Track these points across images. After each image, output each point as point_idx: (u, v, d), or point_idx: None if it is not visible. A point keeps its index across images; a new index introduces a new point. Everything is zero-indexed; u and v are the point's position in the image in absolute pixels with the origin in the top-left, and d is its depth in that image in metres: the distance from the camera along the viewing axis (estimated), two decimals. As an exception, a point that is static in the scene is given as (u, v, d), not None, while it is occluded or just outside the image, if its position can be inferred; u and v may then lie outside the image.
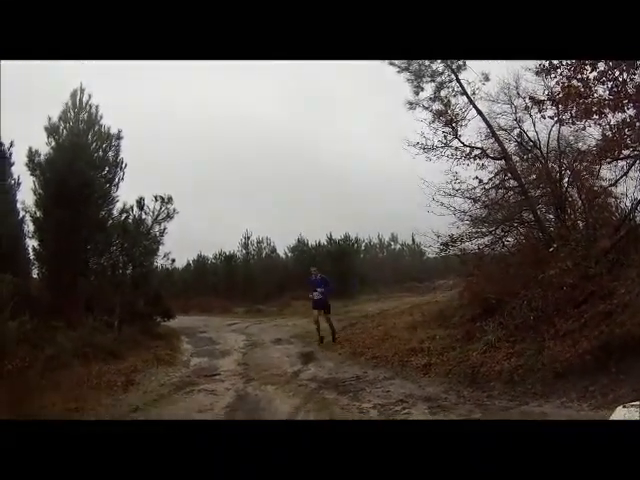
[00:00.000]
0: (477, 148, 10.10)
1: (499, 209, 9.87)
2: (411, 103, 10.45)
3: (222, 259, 23.37)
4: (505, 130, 9.97)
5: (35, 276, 11.53)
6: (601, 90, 7.48)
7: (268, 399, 6.91)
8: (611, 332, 5.93)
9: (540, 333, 6.90)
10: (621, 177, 8.07)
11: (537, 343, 6.76)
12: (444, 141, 10.21)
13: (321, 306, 10.81)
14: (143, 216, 12.37)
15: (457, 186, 9.97)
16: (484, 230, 9.79)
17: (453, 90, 10.28)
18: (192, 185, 23.57)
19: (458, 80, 10.13)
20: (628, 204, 8.08)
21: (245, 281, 21.55)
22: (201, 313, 19.09)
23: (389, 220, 21.20)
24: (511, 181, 9.91)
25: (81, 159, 11.15)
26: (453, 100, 10.29)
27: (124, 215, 12.12)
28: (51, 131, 11.47)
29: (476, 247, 9.85)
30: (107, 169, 12.07)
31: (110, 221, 11.98)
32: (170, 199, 12.54)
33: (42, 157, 11.26)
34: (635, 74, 7.20)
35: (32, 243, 11.27)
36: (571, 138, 9.31)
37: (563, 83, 7.73)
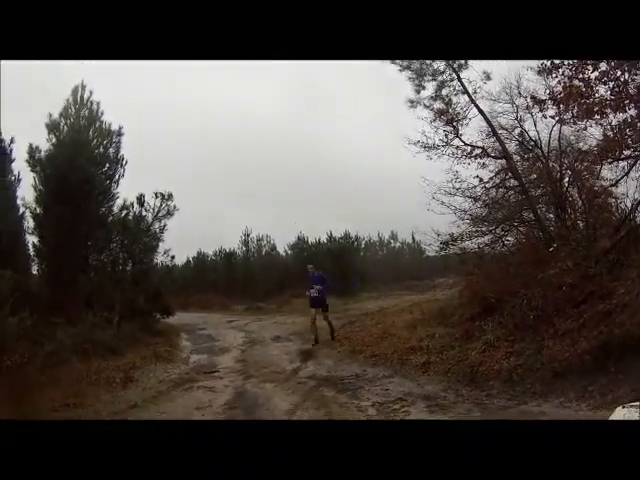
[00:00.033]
0: (478, 147, 10.10)
1: (499, 208, 9.87)
2: (412, 101, 10.45)
3: (222, 256, 23.35)
4: (506, 129, 9.98)
5: (35, 272, 11.53)
6: (602, 90, 7.48)
7: (267, 396, 6.93)
8: (610, 332, 5.93)
9: (539, 333, 6.90)
10: (622, 177, 8.08)
11: (536, 343, 6.76)
12: (445, 140, 10.22)
13: (318, 304, 10.69)
14: (143, 213, 12.36)
15: (457, 185, 9.97)
16: (484, 229, 9.80)
17: (454, 89, 10.29)
18: (192, 182, 23.54)
19: (459, 79, 10.13)
20: (628, 204, 8.08)
21: (245, 278, 21.53)
22: (201, 310, 19.08)
23: (389, 218, 21.17)
24: (512, 180, 9.90)
25: (82, 155, 11.13)
26: (454, 99, 10.30)
27: (124, 212, 12.12)
28: (52, 127, 11.45)
29: (476, 246, 9.86)
30: (108, 166, 12.04)
31: (110, 218, 11.95)
32: (170, 196, 12.53)
33: (43, 153, 11.25)
34: (637, 74, 7.20)
35: (32, 239, 11.29)
36: (572, 138, 9.33)
37: (565, 83, 7.72)
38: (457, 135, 10.17)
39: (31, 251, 11.27)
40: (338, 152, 25.74)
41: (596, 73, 7.42)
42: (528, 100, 9.22)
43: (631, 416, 2.40)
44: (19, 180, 11.13)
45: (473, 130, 10.14)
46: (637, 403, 2.46)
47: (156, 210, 12.46)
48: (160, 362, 9.32)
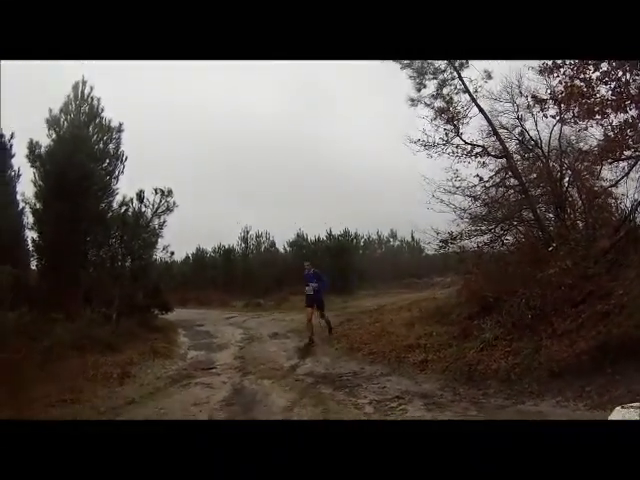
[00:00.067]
0: (478, 146, 10.09)
1: (499, 207, 9.87)
2: (413, 100, 10.44)
3: (221, 253, 23.33)
4: (506, 128, 9.96)
5: (34, 268, 11.53)
6: (604, 90, 7.48)
7: (264, 393, 6.93)
8: (608, 332, 5.94)
9: (537, 332, 6.91)
10: (622, 178, 8.08)
11: (534, 342, 6.77)
12: (445, 138, 10.21)
13: (314, 302, 10.60)
14: (143, 209, 12.34)
15: (457, 183, 9.96)
16: (483, 228, 9.80)
17: (455, 88, 10.28)
18: (192, 178, 23.53)
19: (460, 78, 10.12)
20: (628, 205, 8.07)
21: (244, 275, 21.51)
22: (199, 306, 19.07)
23: (388, 216, 21.17)
24: (512, 179, 9.90)
25: (81, 151, 11.14)
26: (455, 97, 10.29)
27: (124, 208, 12.11)
28: (52, 123, 11.45)
29: (475, 245, 9.87)
30: (107, 161, 12.06)
31: (110, 214, 11.96)
32: (170, 192, 12.50)
33: (42, 149, 11.26)
34: (638, 75, 7.19)
35: (32, 235, 11.29)
36: (572, 138, 9.34)
37: (566, 82, 7.72)
38: (457, 134, 10.16)
39: (30, 246, 11.28)
40: (338, 151, 25.81)
41: (597, 73, 7.42)
42: (529, 99, 9.22)
43: (630, 417, 2.40)
44: (19, 175, 11.15)
45: (473, 129, 10.15)
46: (636, 404, 2.47)
47: (155, 206, 12.45)
48: (158, 358, 9.32)
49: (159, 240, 12.66)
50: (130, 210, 12.17)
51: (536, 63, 8.25)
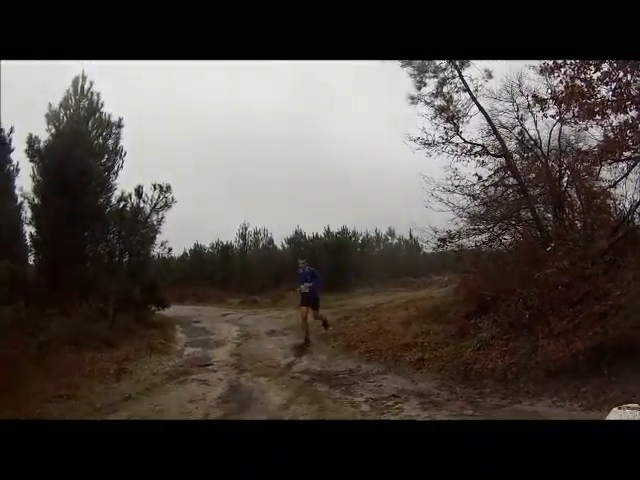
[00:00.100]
0: (478, 145, 10.08)
1: (498, 206, 9.87)
2: (413, 98, 10.42)
3: (219, 249, 23.35)
4: (506, 128, 9.96)
5: (31, 263, 11.52)
6: (604, 91, 7.46)
7: (261, 390, 6.92)
8: (605, 333, 5.94)
9: (534, 332, 6.90)
10: (621, 179, 8.07)
11: (531, 342, 6.76)
12: (445, 137, 10.19)
13: (309, 301, 10.46)
14: (141, 204, 12.30)
15: (456, 182, 9.96)
16: (482, 227, 9.81)
17: (456, 86, 10.25)
18: (191, 175, 23.57)
19: (461, 76, 10.09)
20: (627, 206, 8.07)
21: (241, 272, 21.55)
22: (196, 303, 19.11)
23: (387, 214, 21.23)
24: (510, 179, 9.89)
25: (80, 146, 11.10)
26: (455, 96, 10.26)
27: (122, 203, 12.06)
28: (51, 118, 11.42)
29: (473, 244, 9.88)
30: (106, 157, 12.04)
31: (108, 209, 11.94)
32: (169, 188, 12.45)
33: (42, 144, 11.22)
34: (639, 76, 7.17)
35: (30, 230, 11.25)
36: (572, 138, 9.33)
37: (567, 82, 7.70)
38: (457, 132, 10.15)
39: (28, 241, 11.26)
40: (337, 150, 25.93)
41: (598, 74, 7.41)
42: (529, 99, 9.20)
43: (627, 418, 2.40)
44: (18, 170, 11.08)
45: (473, 128, 10.14)
46: (633, 405, 2.46)
47: (154, 202, 12.41)
48: (154, 354, 9.31)
49: (157, 236, 12.67)
50: (128, 206, 12.14)
51: (537, 63, 8.25)
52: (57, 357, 7.66)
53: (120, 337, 9.75)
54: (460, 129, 10.14)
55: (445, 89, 10.30)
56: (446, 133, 10.18)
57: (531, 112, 9.47)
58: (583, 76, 7.51)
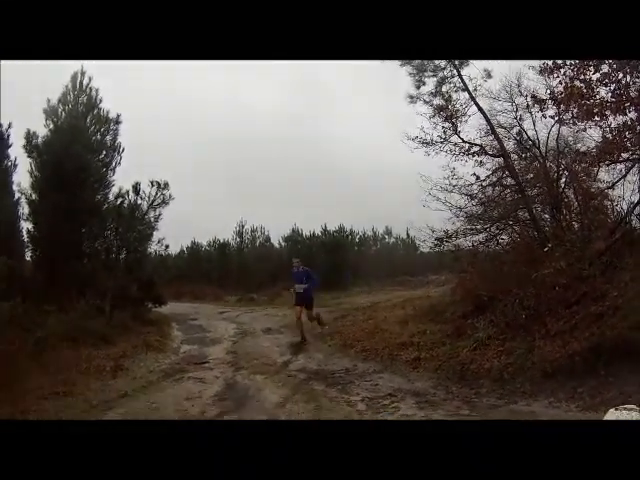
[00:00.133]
0: (476, 145, 10.07)
1: (495, 206, 9.88)
2: (412, 97, 10.41)
3: (216, 247, 23.31)
4: (505, 128, 9.95)
5: (29, 259, 11.48)
6: (603, 92, 7.46)
7: (257, 388, 6.92)
8: (602, 334, 5.95)
9: (531, 332, 6.91)
10: (619, 180, 8.07)
11: (527, 342, 6.78)
12: (443, 136, 10.18)
13: (303, 301, 10.32)
14: (139, 201, 12.29)
15: (454, 182, 9.95)
16: (479, 227, 9.82)
17: (454, 86, 10.24)
18: (190, 173, 23.55)
19: (460, 76, 10.09)
20: (624, 207, 8.08)
21: (238, 269, 21.53)
22: (193, 300, 19.08)
23: (384, 213, 21.24)
24: (508, 179, 9.89)
25: (78, 142, 11.07)
26: (454, 96, 10.26)
27: (119, 200, 12.06)
28: (50, 113, 11.39)
29: (470, 244, 9.89)
30: (104, 153, 12.01)
31: (105, 205, 11.91)
32: (166, 185, 12.45)
33: (40, 139, 11.19)
34: (639, 77, 7.18)
35: (27, 225, 11.24)
36: (570, 139, 9.33)
37: (566, 83, 7.70)
38: (455, 132, 10.14)
39: (25, 237, 11.23)
40: (336, 149, 25.92)
41: (597, 75, 7.41)
42: (528, 99, 9.20)
43: (624, 418, 2.41)
44: (15, 165, 11.07)
45: (472, 127, 10.13)
46: (630, 406, 2.47)
47: (151, 198, 12.40)
48: (151, 351, 9.29)
49: (154, 233, 12.65)
50: (126, 202, 12.13)
51: (536, 63, 8.25)
52: (54, 353, 7.66)
53: (117, 334, 9.73)
54: (458, 128, 10.14)
55: (444, 88, 10.31)
56: (444, 132, 10.18)
57: (530, 112, 9.48)
58: (582, 77, 7.51)
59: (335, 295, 15.87)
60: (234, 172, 26.12)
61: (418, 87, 10.37)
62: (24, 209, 11.08)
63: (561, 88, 7.90)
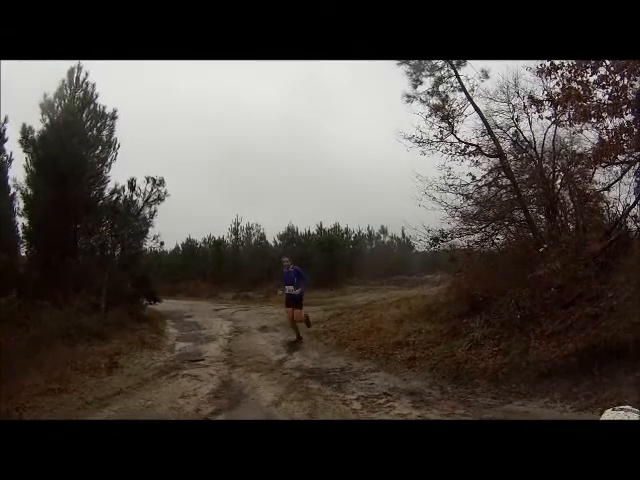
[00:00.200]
0: (472, 145, 10.08)
1: (491, 207, 9.88)
2: (409, 96, 10.41)
3: (211, 244, 23.28)
4: (501, 128, 9.94)
5: (23, 254, 11.43)
6: (600, 94, 7.48)
7: (252, 386, 6.91)
8: (597, 335, 5.97)
9: (526, 332, 6.92)
10: (615, 182, 8.09)
11: (523, 342, 6.79)
12: (440, 136, 10.18)
13: (294, 302, 10.13)
14: (134, 197, 12.25)
15: (450, 181, 9.96)
16: (474, 227, 9.83)
17: (452, 85, 10.25)
18: (185, 168, 23.52)
19: (457, 76, 10.10)
20: (620, 209, 8.10)
21: (233, 267, 21.51)
22: (188, 297, 19.07)
23: (380, 212, 21.27)
24: (504, 179, 9.90)
25: (74, 137, 11.02)
26: (451, 95, 10.27)
27: (115, 195, 12.02)
28: (46, 108, 11.33)
29: (466, 243, 9.89)
30: (100, 148, 11.98)
31: (101, 201, 11.89)
32: (162, 181, 12.41)
33: (35, 134, 11.14)
34: (636, 80, 7.19)
35: (22, 221, 11.20)
36: (566, 140, 9.34)
37: (563, 84, 7.72)
38: (452, 132, 10.15)
39: (20, 233, 11.18)
40: (333, 147, 25.94)
41: (595, 77, 7.42)
42: (525, 100, 9.20)
43: (620, 419, 2.42)
44: (11, 160, 11.00)
45: (468, 127, 10.14)
46: (626, 407, 2.49)
47: (147, 195, 12.36)
48: (146, 349, 9.28)
49: (150, 229, 12.62)
50: (121, 198, 12.09)
51: (533, 64, 8.25)
52: (49, 350, 7.63)
53: (112, 331, 9.71)
54: (455, 128, 10.15)
55: (441, 88, 10.32)
56: (441, 132, 10.18)
57: (526, 113, 9.47)
58: (580, 79, 7.52)
59: (330, 294, 15.89)
60: (230, 170, 26.12)
61: (415, 86, 10.39)
62: (19, 204, 11.06)
63: (558, 89, 7.92)
